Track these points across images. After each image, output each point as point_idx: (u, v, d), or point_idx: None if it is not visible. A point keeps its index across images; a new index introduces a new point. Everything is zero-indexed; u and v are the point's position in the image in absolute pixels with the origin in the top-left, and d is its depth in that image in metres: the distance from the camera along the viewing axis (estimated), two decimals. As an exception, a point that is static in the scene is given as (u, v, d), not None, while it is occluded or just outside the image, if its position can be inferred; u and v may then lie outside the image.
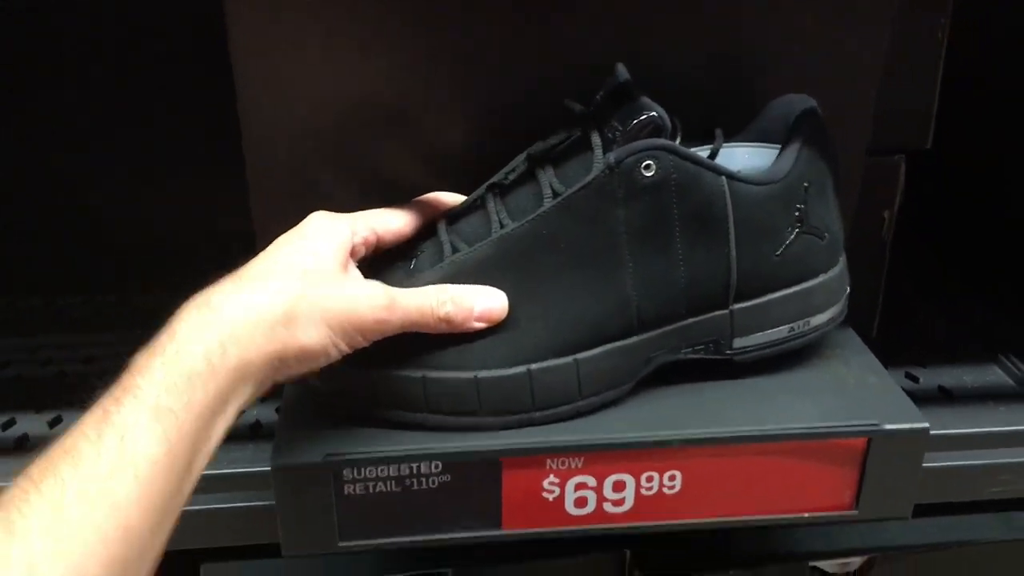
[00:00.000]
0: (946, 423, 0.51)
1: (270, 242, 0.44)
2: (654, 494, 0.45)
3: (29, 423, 0.53)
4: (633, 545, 0.56)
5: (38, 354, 0.61)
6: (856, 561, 0.57)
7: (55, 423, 0.53)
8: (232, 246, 0.55)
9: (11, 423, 0.54)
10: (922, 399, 0.49)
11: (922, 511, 0.48)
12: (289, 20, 0.48)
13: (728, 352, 0.48)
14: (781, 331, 0.49)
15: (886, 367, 0.50)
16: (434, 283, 0.45)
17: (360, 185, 0.52)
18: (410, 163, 0.51)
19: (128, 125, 0.67)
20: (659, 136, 0.44)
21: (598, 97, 0.45)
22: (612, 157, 0.43)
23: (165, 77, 0.66)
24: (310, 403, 0.47)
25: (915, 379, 0.57)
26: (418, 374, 0.44)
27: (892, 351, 0.54)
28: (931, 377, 0.57)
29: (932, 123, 0.55)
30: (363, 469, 0.43)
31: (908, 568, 0.57)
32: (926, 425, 0.45)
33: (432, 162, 0.51)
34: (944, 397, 0.55)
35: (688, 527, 0.46)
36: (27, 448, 0.51)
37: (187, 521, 0.47)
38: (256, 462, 0.48)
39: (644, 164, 0.43)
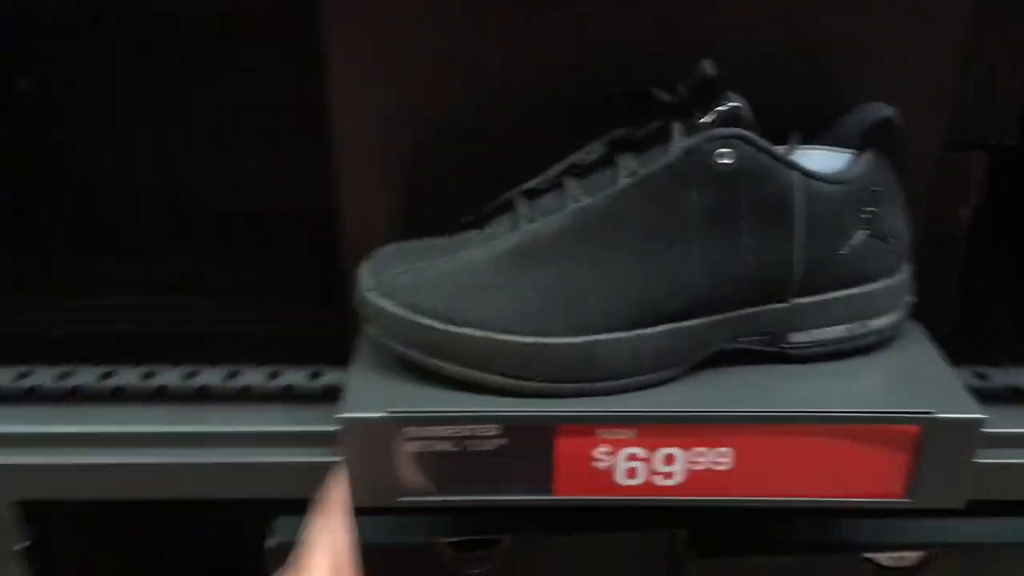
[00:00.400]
0: (1014, 422, 0.51)
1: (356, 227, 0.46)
2: (704, 470, 0.46)
3: (126, 376, 0.57)
4: (688, 525, 0.57)
5: (134, 313, 0.65)
6: (912, 556, 0.56)
7: (148, 376, 0.57)
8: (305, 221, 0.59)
9: (109, 375, 0.58)
10: (989, 397, 0.49)
11: (984, 509, 0.47)
12: (383, 22, 0.51)
13: (783, 346, 0.49)
14: (838, 330, 0.49)
15: (957, 365, 0.50)
16: (509, 249, 0.47)
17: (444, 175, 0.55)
18: (488, 167, 0.54)
19: (214, 102, 0.70)
20: (738, 127, 0.45)
21: (682, 88, 0.47)
22: (690, 142, 0.45)
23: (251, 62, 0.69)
24: (380, 360, 0.49)
25: (984, 377, 0.56)
26: (481, 335, 0.46)
27: (963, 349, 0.53)
28: (1002, 377, 0.56)
29: (1017, 119, 0.54)
30: (423, 427, 0.46)
31: (968, 565, 0.57)
32: (981, 416, 0.45)
33: (506, 165, 0.53)
34: (1013, 396, 0.54)
35: (737, 504, 0.47)
36: (123, 398, 0.55)
37: (260, 474, 0.51)
38: (328, 422, 0.51)
39: (720, 151, 0.45)
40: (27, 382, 0.56)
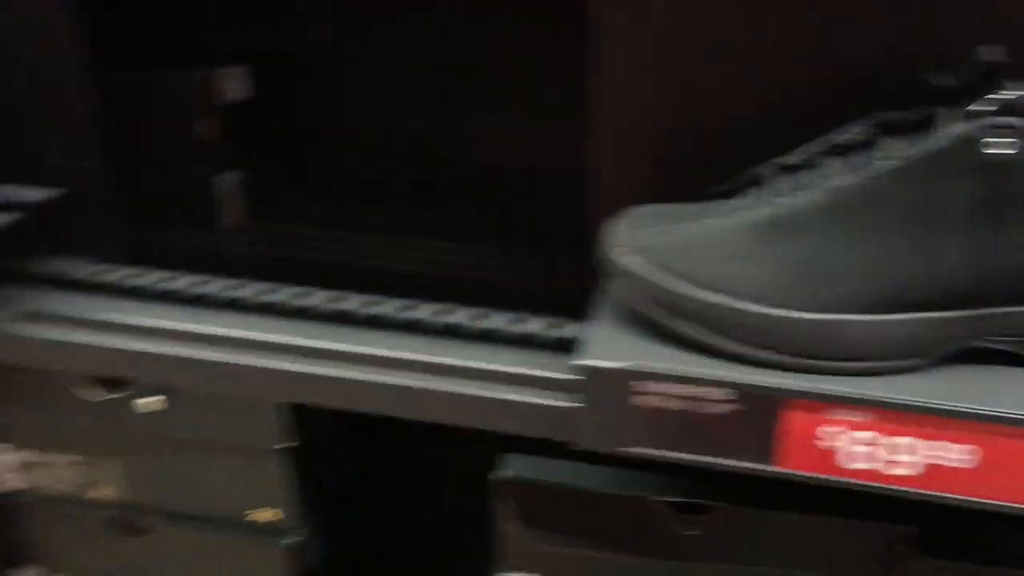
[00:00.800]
0: None
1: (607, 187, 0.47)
2: (941, 465, 0.45)
3: (387, 307, 0.62)
4: (914, 522, 0.55)
5: (395, 252, 0.71)
6: None
7: (406, 309, 0.62)
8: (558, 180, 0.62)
9: (371, 304, 0.63)
10: None
11: None
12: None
13: None
14: None
15: None
16: (761, 220, 0.47)
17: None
18: (739, 140, 0.54)
19: (478, 61, 0.74)
20: (1018, 117, 0.43)
21: (959, 74, 0.46)
22: (963, 128, 0.44)
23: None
24: (620, 315, 0.51)
25: None
26: (724, 301, 0.47)
27: None
28: None
29: None
30: (656, 383, 0.47)
31: None
32: None
33: (757, 142, 0.53)
34: None
35: (974, 507, 0.45)
36: (382, 326, 0.61)
37: (495, 410, 0.55)
38: (563, 369, 0.54)
39: (997, 141, 0.43)
40: (302, 302, 0.62)
